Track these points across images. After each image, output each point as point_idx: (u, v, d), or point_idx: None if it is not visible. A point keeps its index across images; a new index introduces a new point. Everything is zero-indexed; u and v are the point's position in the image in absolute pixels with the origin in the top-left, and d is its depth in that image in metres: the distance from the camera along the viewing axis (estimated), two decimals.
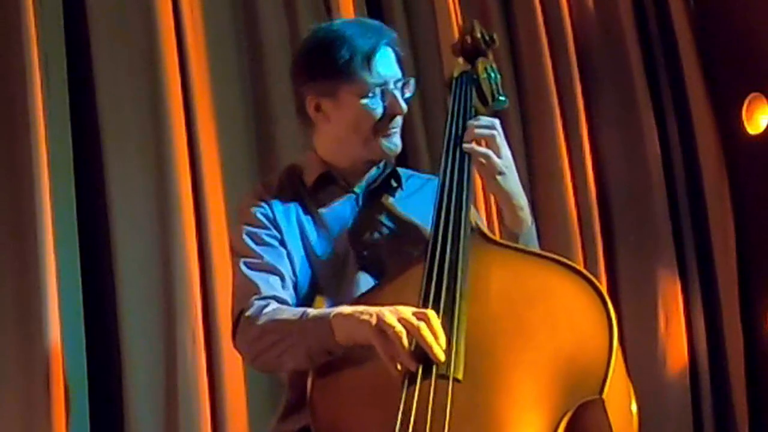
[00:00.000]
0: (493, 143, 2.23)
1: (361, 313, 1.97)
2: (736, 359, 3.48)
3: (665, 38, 3.64)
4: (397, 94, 2.28)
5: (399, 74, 2.30)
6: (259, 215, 2.28)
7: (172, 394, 2.95)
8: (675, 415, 3.41)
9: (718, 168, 3.56)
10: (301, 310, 2.12)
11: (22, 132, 2.83)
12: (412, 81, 2.34)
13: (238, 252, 2.27)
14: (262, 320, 2.12)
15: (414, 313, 1.92)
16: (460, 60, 2.49)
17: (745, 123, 3.51)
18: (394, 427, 1.81)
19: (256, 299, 2.16)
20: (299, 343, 2.06)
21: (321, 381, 2.03)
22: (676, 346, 3.46)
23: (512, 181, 2.25)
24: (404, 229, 2.31)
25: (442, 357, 1.88)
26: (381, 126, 2.28)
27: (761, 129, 3.48)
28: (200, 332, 2.98)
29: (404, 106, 2.30)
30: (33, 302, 2.78)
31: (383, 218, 2.32)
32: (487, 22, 3.37)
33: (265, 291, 2.17)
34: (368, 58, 2.24)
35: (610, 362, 1.86)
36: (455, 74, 2.45)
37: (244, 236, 2.27)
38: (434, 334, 1.89)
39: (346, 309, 2.01)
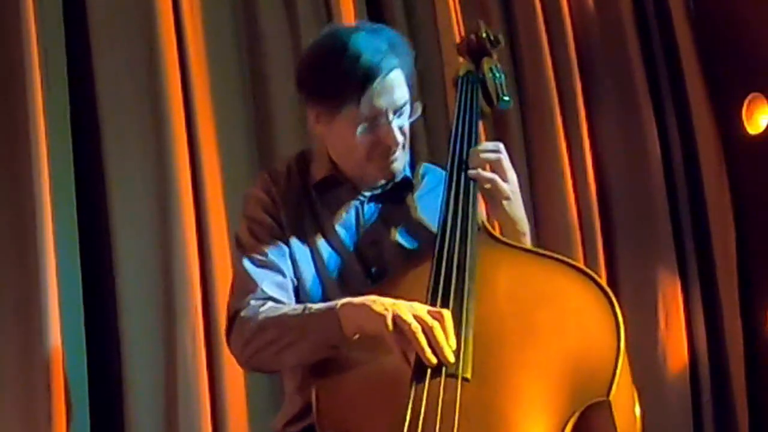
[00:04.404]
0: (500, 167, 2.20)
1: (374, 302, 1.96)
2: (736, 359, 3.48)
3: (665, 38, 3.63)
4: (395, 124, 2.21)
5: (402, 100, 2.22)
6: (264, 210, 2.27)
7: (172, 394, 2.95)
8: (675, 415, 3.41)
9: (718, 168, 3.56)
10: (301, 305, 2.10)
11: (22, 132, 2.83)
12: (418, 105, 2.27)
13: (242, 245, 2.26)
14: (259, 318, 2.10)
15: (429, 312, 1.92)
16: (465, 59, 2.48)
17: (745, 123, 3.50)
18: (402, 426, 1.81)
19: (252, 299, 2.15)
20: (301, 338, 2.05)
21: (326, 381, 2.02)
22: (676, 346, 3.46)
23: (517, 207, 2.23)
24: (412, 244, 2.28)
25: (451, 359, 1.88)
26: (374, 154, 2.24)
27: (761, 129, 3.48)
28: (200, 332, 2.98)
29: (398, 137, 2.23)
30: (33, 302, 2.78)
31: (392, 232, 2.29)
32: (487, 21, 3.35)
33: (264, 289, 2.16)
34: (362, 89, 2.15)
35: (617, 364, 1.88)
36: (461, 73, 2.44)
37: (248, 230, 2.26)
38: (446, 335, 1.89)
39: (355, 299, 2.00)
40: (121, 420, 2.94)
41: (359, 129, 2.20)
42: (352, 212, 2.31)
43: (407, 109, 2.25)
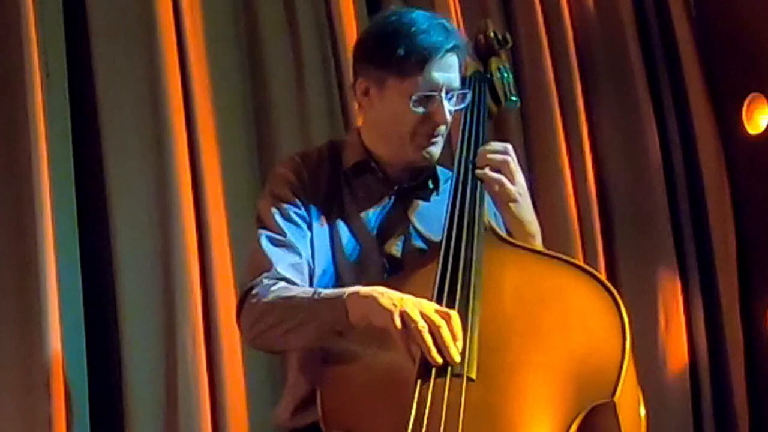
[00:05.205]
0: (507, 169, 2.21)
1: (381, 295, 1.96)
2: (736, 359, 3.48)
3: (665, 38, 3.63)
4: (446, 103, 2.24)
5: (456, 83, 2.26)
6: (291, 190, 2.27)
7: (172, 394, 2.95)
8: (675, 415, 3.41)
9: (718, 168, 3.56)
10: (312, 288, 2.11)
11: (22, 132, 2.83)
12: (468, 94, 2.31)
13: (262, 222, 2.26)
14: (269, 297, 2.11)
15: (437, 311, 1.92)
16: (473, 59, 2.48)
17: (745, 123, 3.51)
18: (406, 424, 1.81)
19: (265, 277, 2.15)
20: (308, 321, 2.05)
21: (330, 376, 2.03)
22: (676, 346, 3.46)
23: (525, 209, 2.23)
24: (430, 243, 2.27)
25: (457, 359, 1.88)
26: (420, 130, 2.26)
27: (761, 129, 3.48)
28: (200, 332, 2.97)
29: (448, 116, 2.26)
30: (33, 303, 2.78)
31: (412, 229, 2.30)
32: None
33: (278, 269, 2.16)
34: (425, 61, 2.20)
35: (623, 365, 1.88)
36: (468, 73, 2.44)
37: (272, 209, 2.26)
38: (453, 335, 1.89)
39: (363, 289, 2.00)
40: (121, 420, 2.93)
41: (413, 100, 2.22)
42: (379, 202, 2.31)
43: (456, 96, 2.27)
